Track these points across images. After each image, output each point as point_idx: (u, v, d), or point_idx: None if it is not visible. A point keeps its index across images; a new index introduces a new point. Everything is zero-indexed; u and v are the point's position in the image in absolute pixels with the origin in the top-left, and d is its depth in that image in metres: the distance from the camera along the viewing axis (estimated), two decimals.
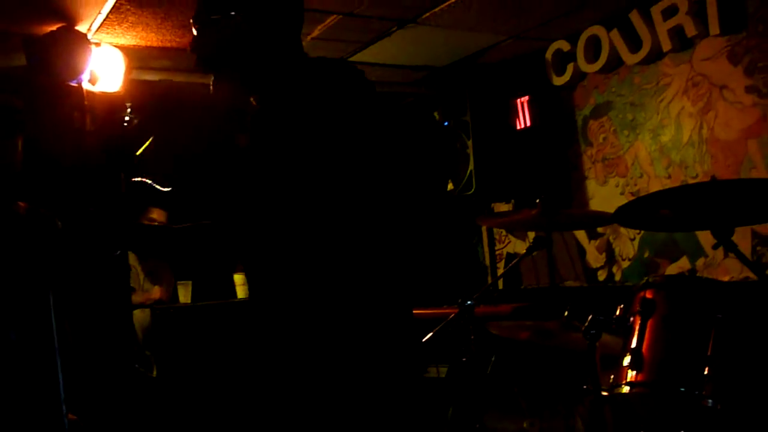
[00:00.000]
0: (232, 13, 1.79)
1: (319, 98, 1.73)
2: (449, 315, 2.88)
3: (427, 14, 4.00)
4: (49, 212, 2.49)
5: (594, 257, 4.45)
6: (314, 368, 1.69)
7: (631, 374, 2.27)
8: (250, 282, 1.86)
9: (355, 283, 1.71)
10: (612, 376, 2.38)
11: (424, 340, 2.86)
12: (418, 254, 4.88)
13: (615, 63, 4.24)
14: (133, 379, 3.90)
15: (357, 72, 1.81)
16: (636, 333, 2.32)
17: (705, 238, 3.83)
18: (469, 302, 2.78)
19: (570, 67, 4.45)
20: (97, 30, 3.92)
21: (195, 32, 1.86)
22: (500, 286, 4.94)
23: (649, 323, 2.31)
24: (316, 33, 4.19)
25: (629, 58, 4.13)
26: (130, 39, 4.06)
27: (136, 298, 4.38)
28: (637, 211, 2.56)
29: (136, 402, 3.77)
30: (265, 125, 1.77)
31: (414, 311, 3.30)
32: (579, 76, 4.46)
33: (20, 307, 2.16)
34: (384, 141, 1.77)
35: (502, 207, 4.88)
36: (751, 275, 3.54)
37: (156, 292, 4.53)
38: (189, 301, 4.53)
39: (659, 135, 4.09)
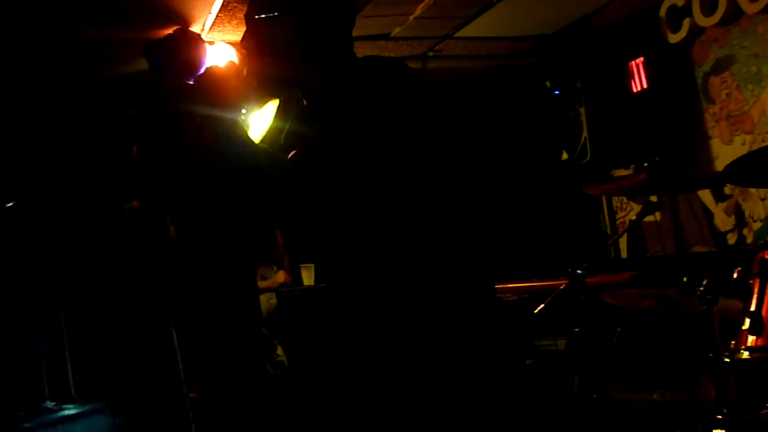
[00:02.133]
0: (287, 11, 1.82)
1: (368, 97, 1.74)
2: (559, 286, 2.84)
3: None
4: (161, 211, 2.66)
5: (722, 220, 4.22)
6: (412, 354, 1.71)
7: (751, 339, 2.17)
8: (335, 272, 1.87)
9: (439, 265, 1.72)
10: (732, 342, 2.28)
11: (535, 312, 2.84)
12: (531, 228, 4.83)
13: (734, 14, 3.98)
14: (258, 365, 4.08)
15: (406, 68, 1.81)
16: (755, 296, 2.21)
17: None
18: (579, 271, 2.73)
19: (686, 23, 4.22)
20: (209, 29, 4.12)
21: (249, 29, 1.89)
22: (624, 255, 4.79)
23: None
24: (418, 12, 4.20)
25: (750, 7, 3.86)
26: (240, 35, 4.22)
27: (262, 283, 4.58)
28: (754, 166, 2.40)
29: (260, 385, 3.96)
30: (317, 122, 1.79)
31: (531, 284, 3.28)
32: (696, 31, 4.22)
33: (141, 294, 2.33)
34: (440, 131, 1.77)
35: (622, 173, 4.72)
36: None
37: (280, 276, 4.71)
38: (312, 284, 4.70)
39: None
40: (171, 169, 3.99)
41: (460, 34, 4.62)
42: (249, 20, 1.92)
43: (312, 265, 4.71)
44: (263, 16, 1.87)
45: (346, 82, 1.83)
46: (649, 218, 4.62)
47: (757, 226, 4.03)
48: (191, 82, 2.03)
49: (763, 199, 3.97)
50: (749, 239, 4.07)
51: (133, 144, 2.61)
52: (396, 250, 1.73)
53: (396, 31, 4.47)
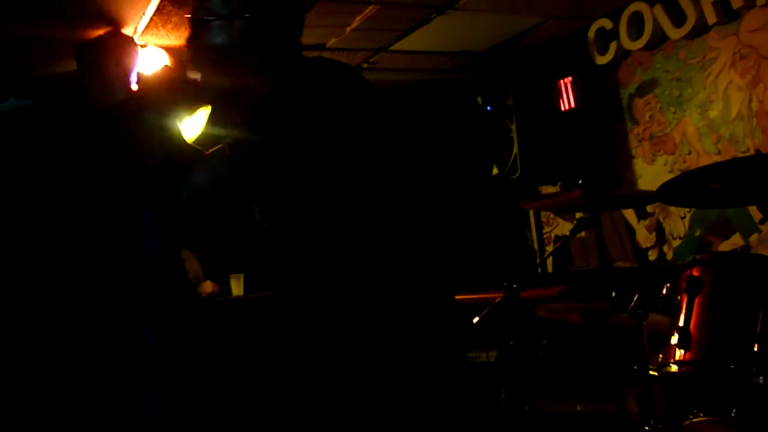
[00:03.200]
0: (240, 13, 1.78)
1: (317, 98, 1.73)
2: (495, 299, 2.89)
3: None
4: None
5: (644, 237, 4.39)
6: (356, 359, 1.71)
7: (679, 353, 2.26)
8: (279, 276, 1.86)
9: (391, 272, 1.72)
10: (660, 356, 2.37)
11: (474, 321, 2.88)
12: (462, 241, 4.91)
13: (659, 39, 4.16)
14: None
15: (353, 71, 1.81)
16: (683, 311, 2.31)
17: (758, 213, 3.75)
18: (514, 285, 2.79)
19: (613, 46, 4.39)
20: (142, 32, 4.03)
21: (193, 29, 1.85)
22: (550, 270, 4.92)
23: (696, 301, 2.29)
24: (355, 24, 4.22)
25: (673, 33, 4.05)
26: (174, 39, 4.15)
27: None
28: (682, 188, 2.52)
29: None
30: (264, 124, 1.77)
31: (461, 296, 3.33)
32: (622, 54, 4.39)
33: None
34: (384, 138, 1.77)
35: (549, 190, 4.85)
36: None
37: (207, 286, 4.63)
38: (242, 294, 4.63)
39: (707, 110, 4.01)
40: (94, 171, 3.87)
41: (395, 47, 4.67)
42: (195, 23, 1.87)
43: (241, 275, 4.64)
44: (212, 19, 1.83)
45: (296, 90, 1.80)
46: None
47: (676, 243, 4.20)
48: (123, 86, 1.98)
49: (683, 218, 4.15)
50: (669, 256, 4.24)
51: (52, 142, 2.52)
52: (351, 256, 1.72)
53: (332, 42, 4.48)
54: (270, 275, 4.70)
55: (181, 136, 1.84)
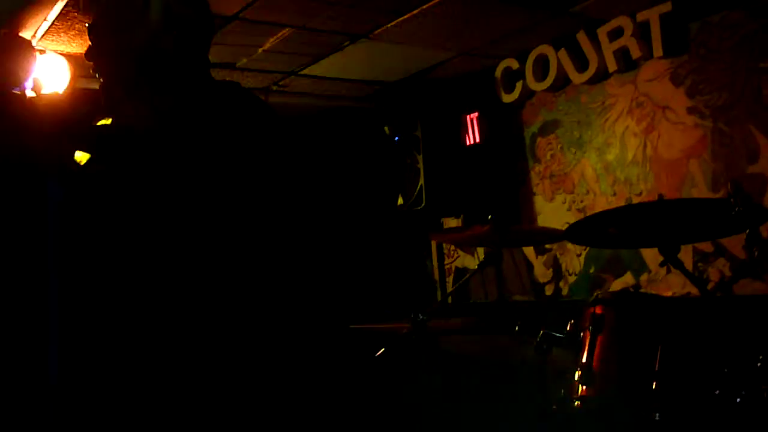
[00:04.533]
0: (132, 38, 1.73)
1: (219, 118, 1.68)
2: (401, 329, 2.88)
3: (380, 30, 4.03)
4: None
5: (541, 272, 4.52)
6: (239, 389, 1.65)
7: (581, 389, 2.31)
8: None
9: (281, 303, 1.68)
10: (563, 390, 2.41)
11: (376, 355, 2.86)
12: (365, 269, 4.90)
13: (562, 82, 4.33)
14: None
15: (255, 96, 1.79)
16: (586, 348, 2.36)
17: (649, 254, 3.93)
18: (421, 317, 2.79)
19: (519, 85, 4.53)
20: (42, 37, 3.83)
21: (94, 41, 1.76)
22: (449, 300, 4.97)
23: (599, 339, 2.35)
24: (267, 45, 4.17)
25: (576, 78, 4.22)
26: (76, 47, 3.97)
27: None
28: (586, 229, 2.61)
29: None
30: (164, 149, 1.69)
31: (365, 326, 3.30)
32: (527, 93, 4.53)
33: None
34: (281, 162, 1.74)
35: (452, 222, 4.92)
36: (693, 290, 3.64)
37: None
38: None
39: (605, 153, 4.19)
40: None
41: (306, 71, 4.65)
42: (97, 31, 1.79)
43: None
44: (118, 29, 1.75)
45: (198, 111, 1.74)
46: (473, 266, 4.87)
47: (572, 279, 4.34)
48: (16, 92, 1.89)
49: (578, 255, 4.30)
50: (564, 291, 4.38)
51: None
52: (233, 287, 1.66)
53: (242, 62, 4.41)
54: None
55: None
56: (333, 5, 3.68)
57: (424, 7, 3.76)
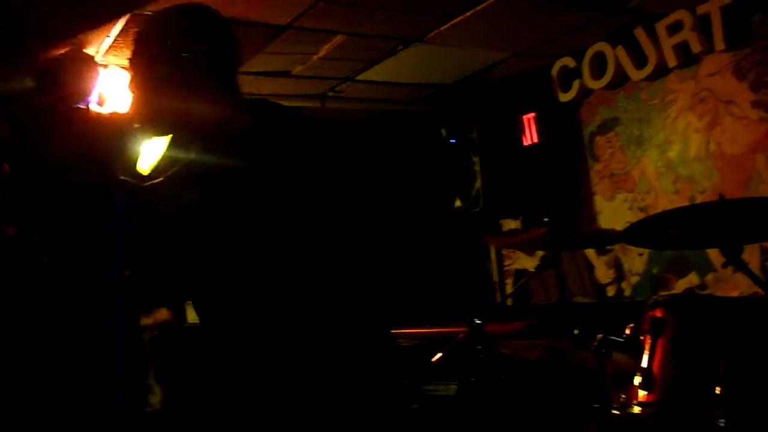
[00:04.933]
0: (183, 54, 1.79)
1: (266, 129, 1.76)
2: (458, 334, 2.87)
3: (433, 33, 4.03)
4: (38, 239, 2.53)
5: (603, 273, 4.44)
6: (292, 393, 1.68)
7: (642, 394, 2.26)
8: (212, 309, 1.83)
9: (324, 308, 1.71)
10: (623, 396, 2.37)
11: (433, 360, 2.86)
12: (424, 273, 4.90)
13: (621, 79, 4.25)
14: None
15: (300, 115, 1.85)
16: (646, 352, 2.31)
17: (714, 253, 3.82)
18: (478, 322, 2.78)
19: (576, 84, 4.46)
20: (105, 52, 3.96)
21: (135, 72, 1.84)
22: (509, 303, 4.93)
23: (659, 342, 2.29)
24: (322, 53, 4.22)
25: (635, 74, 4.13)
26: None
27: (145, 320, 4.39)
28: (646, 231, 2.55)
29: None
30: (217, 149, 1.78)
31: (423, 330, 3.30)
32: (585, 92, 4.46)
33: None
34: (334, 173, 1.79)
35: (511, 223, 4.88)
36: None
37: (162, 313, 4.54)
38: (198, 321, 4.53)
39: (666, 150, 4.09)
40: (45, 194, 3.79)
41: (361, 77, 4.68)
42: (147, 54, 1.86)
43: None
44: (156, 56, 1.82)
45: (243, 122, 1.81)
46: (532, 268, 4.81)
47: (635, 280, 4.25)
48: (82, 106, 1.97)
49: (640, 255, 4.21)
50: (627, 292, 4.29)
51: (3, 162, 2.49)
52: (282, 291, 1.71)
53: (298, 70, 4.47)
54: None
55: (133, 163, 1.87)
56: (385, 10, 3.70)
57: (477, 8, 3.74)
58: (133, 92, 1.85)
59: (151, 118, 1.85)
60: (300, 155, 1.77)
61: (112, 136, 1.87)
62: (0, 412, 2.31)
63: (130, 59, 1.86)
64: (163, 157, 1.96)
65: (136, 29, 3.52)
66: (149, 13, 3.50)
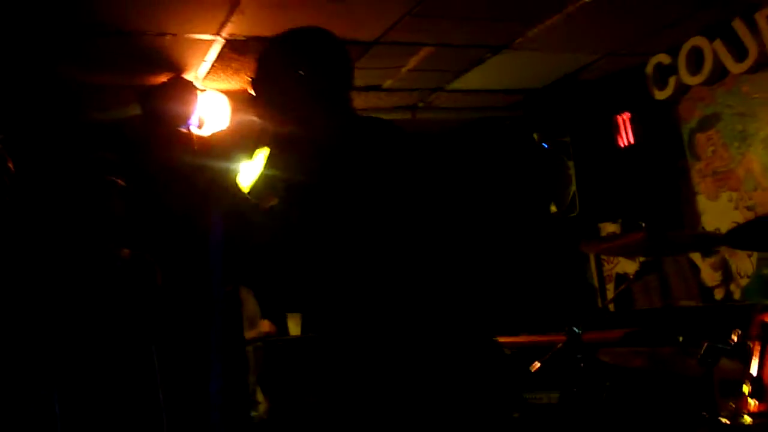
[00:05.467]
0: (299, 72, 1.87)
1: (371, 148, 1.82)
2: (557, 343, 2.83)
3: (520, 39, 4.00)
4: (152, 259, 2.65)
5: (709, 275, 4.26)
6: (402, 398, 1.71)
7: (753, 404, 2.17)
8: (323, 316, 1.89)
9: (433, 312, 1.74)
10: (732, 404, 2.28)
11: (531, 369, 2.83)
12: (521, 280, 4.85)
13: (720, 73, 4.08)
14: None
15: (402, 130, 1.89)
16: (755, 359, 2.22)
17: None
18: (576, 330, 2.73)
19: (672, 81, 4.32)
20: (204, 77, 4.13)
21: (256, 92, 1.94)
22: (611, 308, 4.81)
23: None
24: (411, 65, 4.25)
25: (735, 68, 3.97)
26: (234, 84, 4.24)
27: (247, 333, 4.53)
28: (752, 232, 2.45)
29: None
30: (322, 169, 1.84)
31: (521, 338, 3.29)
32: (682, 89, 4.31)
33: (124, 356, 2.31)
34: (434, 184, 1.83)
35: (609, 227, 4.76)
36: None
37: (264, 325, 4.66)
38: (299, 333, 4.65)
39: None
40: (158, 216, 3.97)
41: (450, 86, 4.69)
42: (266, 75, 1.95)
43: (299, 315, 4.66)
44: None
45: (350, 139, 1.87)
46: (633, 273, 4.68)
47: (744, 281, 4.07)
48: (183, 130, 2.06)
49: (749, 256, 4.02)
50: (736, 295, 4.11)
51: (115, 189, 2.62)
52: (392, 299, 1.74)
53: (388, 83, 4.52)
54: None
55: (239, 188, 1.94)
56: (470, 20, 3.70)
57: (565, 11, 3.68)
58: (253, 111, 1.95)
59: (268, 134, 1.94)
60: (414, 170, 1.84)
61: (211, 156, 1.96)
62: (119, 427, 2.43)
63: (251, 79, 1.97)
64: (263, 176, 2.04)
65: (231, 54, 3.66)
66: (242, 38, 3.64)
